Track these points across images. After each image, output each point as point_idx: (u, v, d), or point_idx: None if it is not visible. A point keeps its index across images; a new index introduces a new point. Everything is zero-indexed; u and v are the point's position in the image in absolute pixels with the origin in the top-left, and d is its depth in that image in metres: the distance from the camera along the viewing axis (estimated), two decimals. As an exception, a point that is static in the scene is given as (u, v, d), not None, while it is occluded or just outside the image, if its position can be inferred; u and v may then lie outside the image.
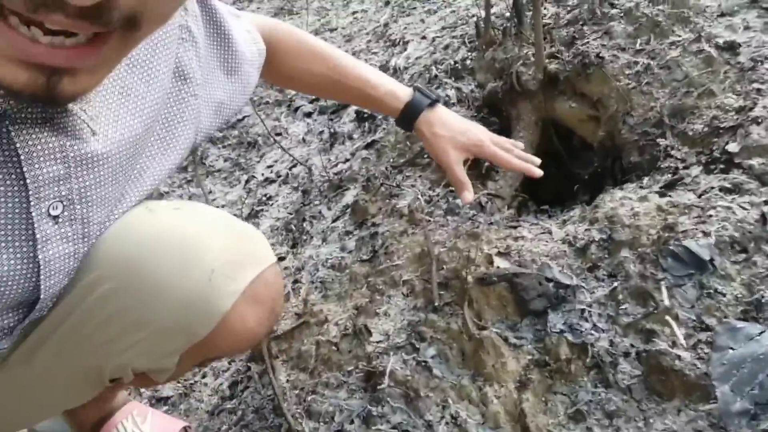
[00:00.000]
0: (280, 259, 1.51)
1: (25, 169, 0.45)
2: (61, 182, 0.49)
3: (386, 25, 2.12)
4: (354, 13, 2.32)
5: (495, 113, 1.49)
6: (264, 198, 1.80)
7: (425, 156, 1.44)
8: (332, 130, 1.84)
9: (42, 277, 0.51)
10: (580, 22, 1.40)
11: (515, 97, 1.40)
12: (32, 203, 0.47)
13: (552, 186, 1.45)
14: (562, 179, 1.45)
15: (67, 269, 0.55)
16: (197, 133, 0.70)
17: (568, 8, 1.48)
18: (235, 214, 1.80)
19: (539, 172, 0.99)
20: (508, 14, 1.65)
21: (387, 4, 2.26)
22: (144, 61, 0.57)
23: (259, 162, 1.97)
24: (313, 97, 2.07)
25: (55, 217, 0.50)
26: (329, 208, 1.58)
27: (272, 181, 1.85)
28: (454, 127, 0.95)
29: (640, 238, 0.99)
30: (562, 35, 1.40)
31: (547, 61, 1.35)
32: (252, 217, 1.75)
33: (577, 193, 1.36)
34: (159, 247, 0.62)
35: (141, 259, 0.61)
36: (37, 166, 0.46)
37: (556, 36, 1.41)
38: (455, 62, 1.63)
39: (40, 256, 0.50)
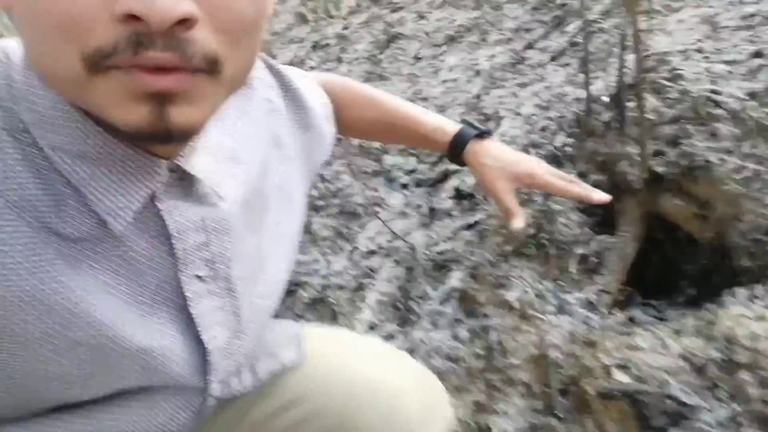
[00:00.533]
0: (389, 337, 1.61)
1: (174, 242, 0.53)
2: (203, 248, 0.56)
3: (478, 96, 2.21)
4: (444, 81, 2.42)
5: (598, 205, 1.55)
6: (368, 270, 1.92)
7: (531, 245, 1.52)
8: (431, 206, 1.95)
9: (200, 329, 0.59)
10: (683, 120, 1.45)
11: (619, 193, 1.46)
12: (180, 269, 0.55)
13: (655, 277, 1.50)
14: (666, 269, 1.49)
15: (219, 320, 0.61)
16: (306, 184, 0.80)
17: (669, 101, 1.53)
18: (341, 286, 1.93)
19: (605, 196, 0.90)
20: (606, 98, 1.72)
21: (477, 74, 2.35)
22: (245, 134, 0.65)
23: (360, 232, 2.09)
24: (409, 168, 2.19)
25: (201, 278, 0.57)
26: (435, 289, 1.68)
27: (375, 253, 1.97)
28: (503, 158, 0.89)
29: (760, 362, 1.03)
30: (666, 133, 1.45)
31: (651, 161, 1.41)
32: (358, 290, 1.87)
33: (684, 288, 1.41)
34: (366, 398, 0.74)
35: (350, 405, 0.74)
36: (184, 237, 0.54)
37: (659, 133, 1.46)
38: (555, 148, 1.70)
39: (193, 312, 0.57)
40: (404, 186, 2.14)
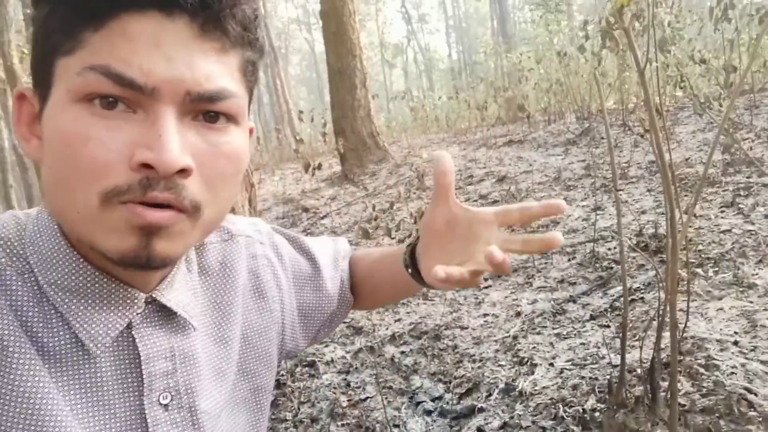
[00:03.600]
0: None
1: (143, 367, 0.58)
2: (169, 376, 0.60)
3: (515, 338, 2.26)
4: (485, 315, 2.50)
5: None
6: (374, 497, 1.83)
7: None
8: (451, 441, 1.90)
9: None
10: (716, 414, 1.44)
11: (645, 475, 1.42)
12: (145, 394, 0.58)
13: None
14: None
15: None
16: (283, 339, 0.79)
17: (702, 390, 1.54)
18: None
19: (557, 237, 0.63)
20: (640, 370, 1.73)
21: (518, 315, 2.42)
22: (225, 287, 0.70)
23: (374, 452, 2.03)
24: (436, 395, 2.18)
25: (165, 406, 0.59)
26: None
27: (386, 481, 1.89)
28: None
29: None
30: (697, 423, 1.44)
31: (681, 449, 1.38)
32: None
33: None
34: None
35: None
36: (152, 364, 0.58)
37: (690, 421, 1.45)
38: (584, 410, 1.69)
39: None
40: (428, 413, 2.11)
